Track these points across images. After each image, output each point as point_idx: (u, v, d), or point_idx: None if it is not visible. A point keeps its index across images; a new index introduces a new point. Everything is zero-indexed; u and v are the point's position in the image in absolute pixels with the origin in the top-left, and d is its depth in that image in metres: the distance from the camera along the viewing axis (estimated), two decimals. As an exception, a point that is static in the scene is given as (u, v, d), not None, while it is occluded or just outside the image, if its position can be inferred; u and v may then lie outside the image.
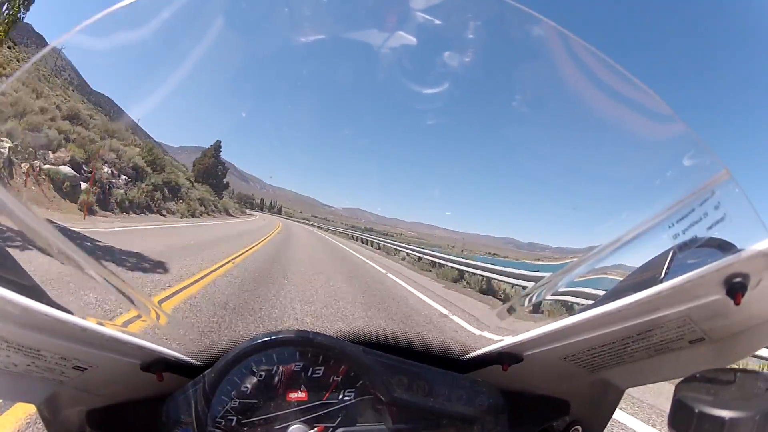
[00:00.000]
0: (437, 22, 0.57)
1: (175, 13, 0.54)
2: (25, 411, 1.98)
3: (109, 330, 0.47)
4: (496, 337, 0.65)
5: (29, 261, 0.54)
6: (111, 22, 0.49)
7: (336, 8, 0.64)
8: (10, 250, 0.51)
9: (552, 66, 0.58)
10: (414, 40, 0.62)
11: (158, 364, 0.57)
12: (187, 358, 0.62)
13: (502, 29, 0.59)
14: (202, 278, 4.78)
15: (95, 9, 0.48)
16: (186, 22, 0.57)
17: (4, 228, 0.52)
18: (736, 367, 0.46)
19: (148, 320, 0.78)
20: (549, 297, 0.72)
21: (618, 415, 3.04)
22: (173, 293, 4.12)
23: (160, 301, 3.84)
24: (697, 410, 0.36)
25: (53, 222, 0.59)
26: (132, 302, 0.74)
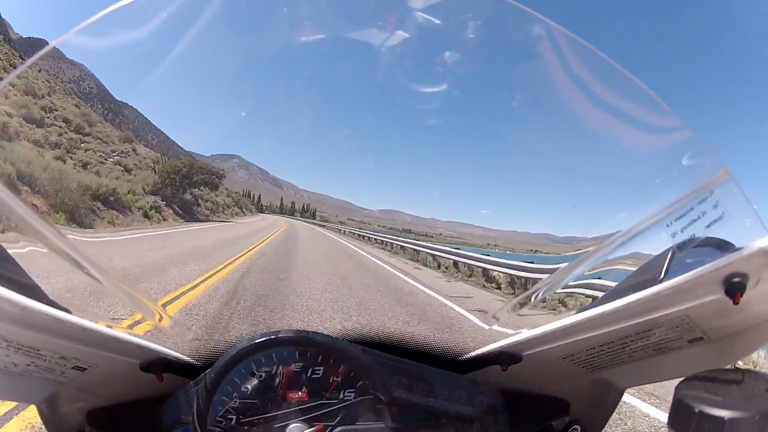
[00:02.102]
0: (436, 21, 0.57)
1: (175, 12, 0.54)
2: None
3: (108, 329, 0.47)
4: (510, 331, 0.65)
5: (37, 267, 0.54)
6: (110, 22, 0.49)
7: (335, 8, 0.64)
8: (13, 253, 0.51)
9: (552, 65, 0.58)
10: (414, 40, 0.62)
11: (158, 364, 0.57)
12: (187, 359, 0.62)
13: (501, 29, 0.59)
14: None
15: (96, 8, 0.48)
16: (185, 22, 0.57)
17: (13, 233, 0.53)
18: (736, 367, 0.46)
19: (153, 323, 0.78)
20: (556, 292, 0.72)
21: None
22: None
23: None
24: (697, 410, 0.36)
25: (58, 229, 0.60)
26: (137, 305, 0.75)
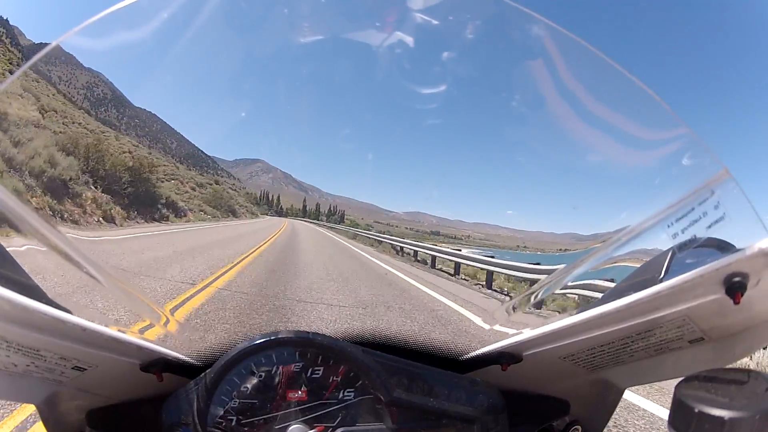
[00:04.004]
0: (435, 22, 0.57)
1: (174, 13, 0.54)
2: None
3: (108, 330, 0.47)
4: (510, 331, 0.64)
5: (41, 268, 0.54)
6: (110, 22, 0.49)
7: (334, 8, 0.64)
8: (13, 252, 0.51)
9: (551, 66, 0.58)
10: (413, 40, 0.62)
11: (158, 365, 0.57)
12: (187, 359, 0.62)
13: (500, 29, 0.59)
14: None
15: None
16: (185, 23, 0.57)
17: (18, 237, 0.53)
18: (736, 367, 0.46)
19: (158, 326, 0.78)
20: (556, 292, 0.72)
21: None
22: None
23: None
24: (697, 410, 0.36)
25: (60, 231, 0.60)
26: (141, 308, 0.75)
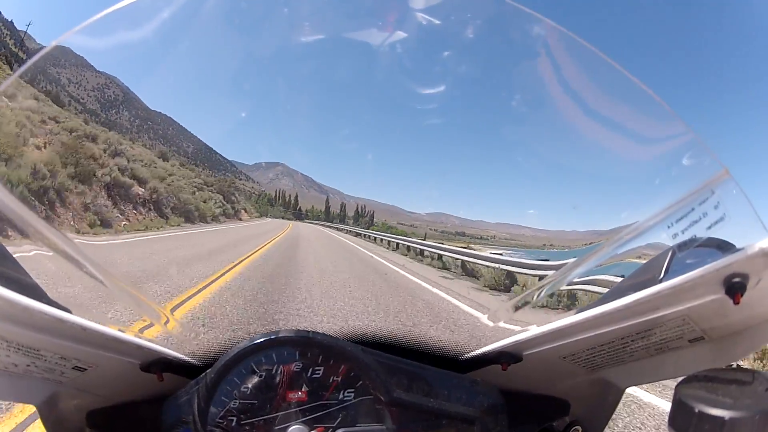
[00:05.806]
0: (436, 21, 0.57)
1: (175, 13, 0.54)
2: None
3: (109, 330, 0.47)
4: (511, 330, 0.64)
5: (43, 270, 0.54)
6: (111, 21, 0.49)
7: (335, 8, 0.64)
8: (19, 257, 0.51)
9: (552, 65, 0.58)
10: (414, 40, 0.62)
11: (158, 364, 0.57)
12: (187, 358, 0.62)
13: (501, 29, 0.59)
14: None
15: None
16: (186, 22, 0.57)
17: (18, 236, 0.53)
18: (736, 366, 0.46)
19: (159, 326, 0.78)
20: (561, 289, 0.72)
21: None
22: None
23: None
24: (697, 410, 0.36)
25: (65, 233, 0.60)
26: (143, 309, 0.75)
